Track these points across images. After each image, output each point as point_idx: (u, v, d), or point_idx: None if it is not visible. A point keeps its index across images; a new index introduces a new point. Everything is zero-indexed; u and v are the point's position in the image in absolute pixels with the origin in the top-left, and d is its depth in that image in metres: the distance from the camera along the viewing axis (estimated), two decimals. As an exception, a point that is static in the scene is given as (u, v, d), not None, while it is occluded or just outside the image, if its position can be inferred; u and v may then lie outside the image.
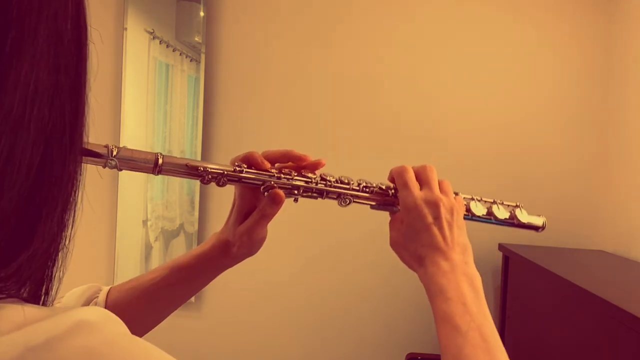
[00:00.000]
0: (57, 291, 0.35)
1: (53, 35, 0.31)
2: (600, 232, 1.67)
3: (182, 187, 1.78)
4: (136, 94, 1.71)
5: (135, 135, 1.72)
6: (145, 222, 1.74)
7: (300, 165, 0.61)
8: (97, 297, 0.62)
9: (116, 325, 0.31)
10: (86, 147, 0.48)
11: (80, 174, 0.35)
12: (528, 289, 1.40)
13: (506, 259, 1.54)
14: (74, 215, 0.35)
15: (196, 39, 1.71)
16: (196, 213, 1.74)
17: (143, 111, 1.72)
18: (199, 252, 0.63)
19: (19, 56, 0.29)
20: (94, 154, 0.49)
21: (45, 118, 0.31)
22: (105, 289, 0.63)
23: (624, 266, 1.38)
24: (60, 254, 0.34)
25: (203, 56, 1.71)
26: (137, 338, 0.31)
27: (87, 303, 0.62)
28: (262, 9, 1.74)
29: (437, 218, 0.55)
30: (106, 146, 0.49)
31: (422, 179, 0.58)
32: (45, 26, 0.30)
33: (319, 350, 1.77)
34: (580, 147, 1.72)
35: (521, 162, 1.72)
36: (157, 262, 1.75)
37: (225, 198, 1.75)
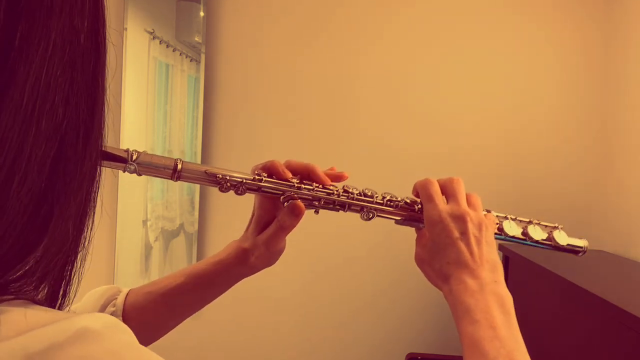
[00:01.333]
0: (75, 293, 0.35)
1: (67, 31, 0.30)
2: (600, 232, 1.66)
3: (182, 187, 1.78)
4: (136, 94, 1.71)
5: (135, 135, 1.71)
6: (145, 222, 1.74)
7: (322, 183, 0.58)
8: (116, 299, 0.62)
9: (121, 334, 0.30)
10: (106, 150, 0.47)
11: (99, 175, 0.35)
12: (528, 289, 1.39)
13: (506, 259, 1.54)
14: (93, 217, 0.34)
15: (196, 39, 1.71)
16: (196, 213, 1.74)
17: (143, 111, 1.72)
18: (216, 260, 0.62)
19: (29, 49, 0.28)
20: (114, 158, 0.48)
21: (59, 115, 0.30)
22: (125, 290, 0.63)
23: (624, 266, 1.38)
24: (78, 255, 0.34)
25: (203, 56, 1.71)
26: (143, 348, 0.30)
27: (106, 305, 0.62)
28: (262, 9, 1.74)
29: (464, 233, 0.52)
30: (126, 150, 0.49)
31: (448, 192, 0.56)
32: (58, 21, 0.30)
33: (319, 350, 1.77)
34: (580, 147, 1.72)
35: (521, 162, 1.72)
36: (157, 262, 1.75)
37: (225, 198, 1.75)
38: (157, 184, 1.75)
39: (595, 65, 1.71)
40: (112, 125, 1.81)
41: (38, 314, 0.28)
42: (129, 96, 1.70)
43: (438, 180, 0.57)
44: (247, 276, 0.63)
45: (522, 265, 1.44)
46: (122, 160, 0.49)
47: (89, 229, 0.34)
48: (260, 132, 1.75)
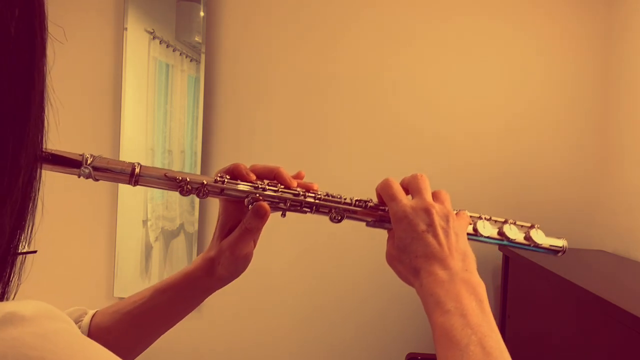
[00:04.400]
0: (15, 294, 0.33)
1: None
2: (600, 232, 1.66)
3: (182, 187, 1.77)
4: (136, 94, 1.71)
5: (135, 135, 1.71)
6: (145, 222, 1.74)
7: (288, 186, 0.56)
8: (82, 320, 0.59)
9: (55, 321, 0.28)
10: (57, 153, 0.45)
11: (39, 175, 0.33)
12: (528, 289, 1.39)
13: (506, 259, 1.54)
14: (33, 217, 0.33)
15: (196, 39, 1.71)
16: (196, 213, 1.74)
17: (143, 111, 1.72)
18: (183, 273, 0.60)
19: None
20: (66, 162, 0.46)
21: None
22: (91, 312, 0.61)
23: (624, 266, 1.38)
24: (18, 256, 0.32)
25: (203, 56, 1.71)
26: (80, 336, 0.29)
27: None
28: (262, 9, 1.74)
29: (430, 225, 0.51)
30: (81, 155, 0.47)
31: (412, 188, 0.55)
32: None
33: (319, 350, 1.77)
34: (580, 147, 1.72)
35: (521, 162, 1.72)
36: (157, 262, 1.75)
37: (225, 198, 1.75)
38: (157, 184, 1.75)
39: (595, 65, 1.71)
40: (113, 126, 1.82)
41: None
42: (129, 96, 1.70)
43: (403, 179, 0.56)
44: (215, 289, 0.60)
45: (522, 265, 1.44)
46: (76, 165, 0.47)
47: (29, 229, 0.33)
48: (261, 131, 1.75)
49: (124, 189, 1.72)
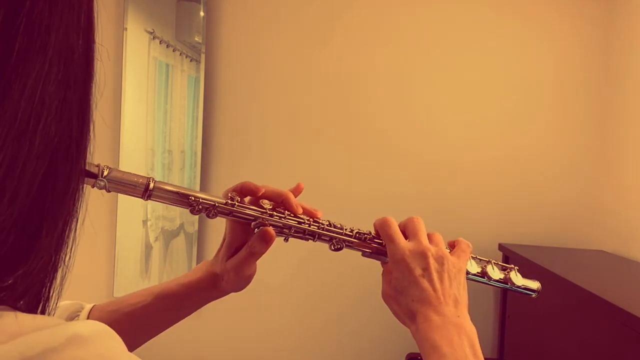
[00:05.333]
0: (54, 308, 0.34)
1: (63, 49, 0.30)
2: (600, 232, 1.66)
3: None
4: (136, 94, 1.71)
5: (135, 135, 1.71)
6: (145, 222, 1.74)
7: (294, 213, 0.59)
8: (79, 315, 0.61)
9: (112, 341, 0.31)
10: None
11: (83, 191, 0.34)
12: (528, 289, 1.39)
13: (506, 259, 1.54)
14: (75, 233, 0.34)
15: (196, 39, 1.71)
16: (196, 213, 1.73)
17: (143, 111, 1.72)
18: (187, 281, 0.62)
19: (26, 66, 0.28)
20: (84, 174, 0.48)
21: (51, 132, 0.30)
22: (88, 306, 0.62)
23: (624, 266, 1.38)
24: (59, 271, 0.33)
25: (203, 56, 1.71)
26: (132, 355, 0.31)
27: (69, 319, 0.61)
28: (262, 9, 1.74)
29: (426, 269, 0.54)
30: (97, 165, 0.48)
31: (409, 230, 0.58)
32: (56, 39, 0.30)
33: (319, 349, 1.77)
34: (580, 147, 1.72)
35: (521, 162, 1.72)
36: (157, 262, 1.75)
37: (225, 198, 1.75)
38: (157, 184, 1.75)
39: (595, 66, 1.71)
40: (113, 126, 1.81)
41: (28, 319, 0.28)
42: (129, 96, 1.70)
43: (401, 222, 0.59)
44: (216, 299, 0.63)
45: (522, 265, 1.43)
46: (92, 176, 0.47)
47: (71, 245, 0.34)
48: (260, 131, 1.75)
49: (124, 189, 1.72)
